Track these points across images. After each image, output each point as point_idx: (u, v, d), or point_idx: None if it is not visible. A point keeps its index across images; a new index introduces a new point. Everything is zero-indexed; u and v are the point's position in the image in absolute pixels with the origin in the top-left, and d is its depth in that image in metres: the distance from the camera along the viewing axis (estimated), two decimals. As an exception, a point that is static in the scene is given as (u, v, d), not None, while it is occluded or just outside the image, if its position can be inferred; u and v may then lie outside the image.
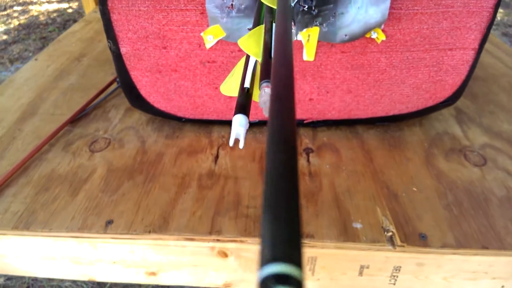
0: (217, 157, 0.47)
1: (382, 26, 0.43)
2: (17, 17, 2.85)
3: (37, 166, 0.46)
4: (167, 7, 0.42)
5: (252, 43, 0.28)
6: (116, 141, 0.49)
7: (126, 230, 0.37)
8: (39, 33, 2.58)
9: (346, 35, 0.43)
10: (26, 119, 0.54)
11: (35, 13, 2.92)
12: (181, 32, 0.44)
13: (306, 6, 0.41)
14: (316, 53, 0.45)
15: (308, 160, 0.46)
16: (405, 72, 0.46)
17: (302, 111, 0.50)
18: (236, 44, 0.44)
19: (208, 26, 0.43)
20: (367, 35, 0.43)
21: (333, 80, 0.47)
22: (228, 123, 0.52)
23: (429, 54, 0.45)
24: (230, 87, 0.30)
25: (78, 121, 0.53)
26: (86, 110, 0.55)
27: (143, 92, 0.49)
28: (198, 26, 0.43)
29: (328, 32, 0.43)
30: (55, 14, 2.88)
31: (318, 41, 0.44)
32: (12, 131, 0.51)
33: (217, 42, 0.44)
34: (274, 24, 0.26)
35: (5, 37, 2.56)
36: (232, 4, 0.40)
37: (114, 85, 0.61)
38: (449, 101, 0.50)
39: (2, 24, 2.75)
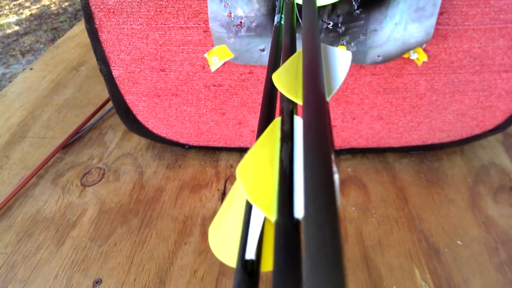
0: (224, 194, 0.41)
1: (424, 45, 0.35)
2: (28, 7, 2.82)
3: (22, 204, 0.40)
4: (164, 24, 0.35)
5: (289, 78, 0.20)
6: (111, 172, 0.44)
7: (116, 296, 0.32)
8: (50, 24, 2.54)
9: (379, 56, 0.35)
10: (14, 144, 0.48)
11: (47, 3, 2.88)
12: (181, 52, 0.37)
13: (331, 23, 0.33)
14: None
15: (330, 200, 0.40)
16: (449, 97, 0.39)
17: (323, 139, 0.43)
18: (246, 66, 0.37)
19: (212, 46, 0.36)
20: (405, 56, 0.36)
21: (361, 105, 0.40)
22: (237, 150, 0.46)
23: (479, 77, 0.37)
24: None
25: (71, 146, 0.48)
26: (80, 133, 0.49)
27: (141, 117, 0.43)
28: (201, 46, 0.36)
29: (357, 52, 0.35)
30: (66, 4, 2.83)
31: (345, 62, 0.37)
32: (-2, 159, 0.46)
33: (224, 63, 0.37)
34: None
35: (17, 28, 2.53)
36: (241, 22, 0.33)
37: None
38: (498, 129, 0.42)
39: (14, 15, 2.72)
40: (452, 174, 0.42)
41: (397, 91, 0.38)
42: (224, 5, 0.33)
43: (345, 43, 0.35)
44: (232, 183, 0.42)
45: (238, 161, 0.45)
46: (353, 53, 0.35)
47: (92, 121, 0.51)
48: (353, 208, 0.39)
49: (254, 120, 0.42)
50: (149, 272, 0.33)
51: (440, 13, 0.33)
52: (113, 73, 0.39)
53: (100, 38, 0.36)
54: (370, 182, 0.42)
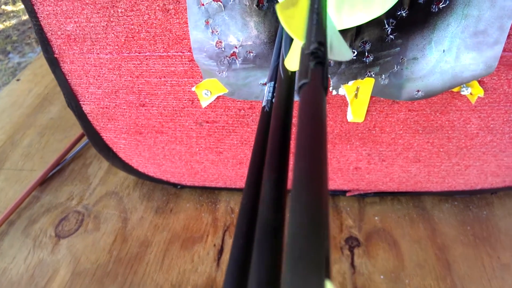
0: (221, 250, 0.34)
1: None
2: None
3: (-14, 261, 0.34)
4: (139, 53, 0.27)
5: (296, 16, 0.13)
6: (91, 219, 0.37)
7: None
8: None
9: (419, 91, 0.27)
10: (-13, 178, 0.42)
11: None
12: (163, 85, 0.29)
13: (355, 52, 0.25)
14: (368, 111, 0.29)
15: (352, 263, 0.32)
16: (509, 137, 0.30)
17: (344, 181, 0.35)
18: (245, 102, 0.29)
19: (202, 77, 0.28)
20: (455, 90, 0.27)
21: (393, 146, 0.31)
22: (239, 191, 0.39)
23: (553, 113, 0.28)
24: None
25: (50, 180, 0.41)
26: (61, 164, 0.43)
27: (122, 155, 0.36)
28: (187, 78, 0.29)
29: (389, 86, 0.27)
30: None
31: (372, 97, 0.28)
32: (-34, 199, 0.40)
33: (218, 97, 0.29)
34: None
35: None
36: (235, 53, 0.25)
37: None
38: None
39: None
40: (506, 228, 0.34)
41: (440, 130, 0.30)
42: (212, 32, 0.24)
43: (373, 75, 0.26)
44: (231, 235, 0.35)
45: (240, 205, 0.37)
46: (385, 87, 0.27)
47: (76, 148, 0.45)
48: (382, 277, 0.31)
49: (258, 161, 0.34)
50: None
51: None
52: (83, 109, 0.32)
53: (63, 70, 0.29)
54: (403, 237, 0.34)
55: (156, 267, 0.33)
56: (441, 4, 0.22)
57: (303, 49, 0.11)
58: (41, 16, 0.26)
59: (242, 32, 0.24)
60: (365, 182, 0.35)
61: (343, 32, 0.24)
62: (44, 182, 0.41)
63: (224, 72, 0.27)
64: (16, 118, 0.50)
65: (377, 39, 0.24)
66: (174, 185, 0.38)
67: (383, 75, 0.26)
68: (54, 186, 0.41)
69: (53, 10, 0.25)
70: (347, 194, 0.36)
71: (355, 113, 0.29)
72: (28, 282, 0.33)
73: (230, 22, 0.24)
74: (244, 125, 0.32)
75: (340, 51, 0.12)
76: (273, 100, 0.13)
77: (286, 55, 0.15)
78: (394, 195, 0.37)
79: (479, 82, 0.27)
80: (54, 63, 0.29)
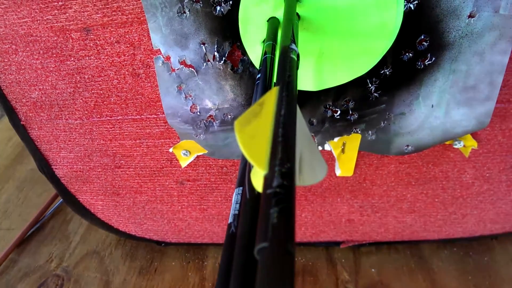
0: (210, 315, 0.32)
1: (474, 130, 0.25)
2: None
3: None
4: (111, 117, 0.26)
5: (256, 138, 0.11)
6: (71, 283, 0.35)
7: None
8: None
9: (408, 146, 0.25)
10: (-39, 240, 0.40)
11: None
12: (138, 147, 0.28)
13: (339, 111, 0.24)
14: (357, 164, 0.28)
15: (349, 325, 0.30)
16: (506, 185, 0.28)
17: (337, 233, 0.33)
18: (227, 160, 0.28)
19: (179, 138, 0.27)
20: (447, 143, 0.25)
21: (386, 198, 0.30)
22: (229, 245, 0.36)
23: (551, 161, 0.27)
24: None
25: (28, 240, 0.39)
26: (40, 221, 0.41)
27: (101, 216, 0.34)
28: (164, 139, 0.27)
29: (377, 142, 0.25)
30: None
31: (360, 152, 0.27)
32: None
33: (198, 156, 0.28)
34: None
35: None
36: (211, 115, 0.24)
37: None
38: None
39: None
40: (509, 275, 0.32)
41: (434, 181, 0.28)
42: (185, 97, 0.23)
43: (359, 131, 0.25)
44: None
45: (229, 261, 0.35)
46: (372, 142, 0.25)
47: (56, 203, 0.42)
48: None
49: (244, 216, 0.32)
50: None
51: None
52: (56, 173, 0.30)
53: (31, 136, 0.27)
54: (401, 292, 0.32)
55: (139, 339, 0.30)
56: (426, 61, 0.21)
57: (264, 183, 0.09)
58: (4, 85, 0.24)
59: (217, 96, 0.23)
60: (359, 233, 0.33)
61: (325, 92, 0.23)
62: (22, 242, 0.39)
63: (201, 135, 0.25)
64: None
65: (361, 97, 0.23)
66: (158, 243, 0.36)
67: (370, 131, 0.25)
68: (32, 246, 0.39)
69: (16, 79, 0.24)
70: (341, 246, 0.34)
71: (343, 167, 0.28)
72: None
73: (205, 86, 0.23)
74: (228, 181, 0.30)
75: (312, 168, 0.11)
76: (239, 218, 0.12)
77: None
78: (391, 244, 0.35)
79: (472, 133, 0.25)
80: (21, 130, 0.27)
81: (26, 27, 0.22)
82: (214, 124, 0.24)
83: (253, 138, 0.10)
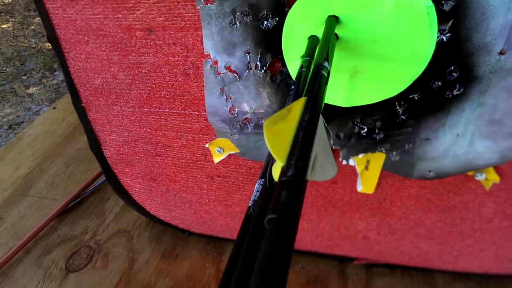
0: (221, 306, 0.33)
1: (498, 164, 0.25)
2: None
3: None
4: (159, 109, 0.29)
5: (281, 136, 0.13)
6: (101, 256, 0.38)
7: None
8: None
9: (430, 171, 0.26)
10: (13, 203, 0.45)
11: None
12: (179, 139, 0.30)
13: (365, 129, 0.25)
14: (379, 183, 0.29)
15: (352, 338, 0.31)
16: (529, 225, 0.28)
17: (352, 248, 0.34)
18: (256, 161, 0.30)
19: (215, 136, 0.29)
20: (469, 173, 0.26)
21: (404, 220, 0.31)
22: (247, 244, 0.38)
23: None
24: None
25: (69, 211, 0.43)
26: (81, 196, 0.45)
27: (137, 198, 0.37)
28: (202, 135, 0.30)
29: (400, 163, 0.26)
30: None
31: (384, 171, 0.28)
32: (-10, 222, 0.42)
33: (230, 154, 0.30)
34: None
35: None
36: (247, 118, 0.26)
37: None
38: None
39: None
40: (525, 319, 0.31)
41: (453, 210, 0.29)
42: (226, 99, 0.25)
43: (384, 151, 0.26)
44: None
45: (246, 259, 0.37)
46: (396, 163, 0.27)
47: (97, 182, 0.46)
48: None
49: (266, 218, 0.34)
50: None
51: (526, 128, 0.23)
52: (104, 153, 0.33)
53: (88, 117, 0.31)
54: (409, 315, 0.32)
55: (154, 315, 0.33)
56: (455, 91, 0.22)
57: (281, 173, 0.11)
58: (73, 70, 0.28)
59: (255, 101, 0.25)
60: (374, 252, 0.34)
61: (354, 109, 0.25)
62: (63, 212, 0.43)
63: (236, 135, 0.27)
64: (47, 146, 0.53)
65: (388, 118, 0.24)
66: (183, 231, 0.39)
67: (394, 152, 0.26)
68: (71, 218, 0.43)
69: (83, 66, 0.28)
70: (355, 262, 0.35)
71: (365, 184, 0.29)
72: (31, 315, 0.33)
73: (244, 91, 0.25)
74: (254, 182, 0.32)
75: (323, 168, 0.13)
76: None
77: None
78: (404, 268, 0.35)
79: (495, 167, 0.26)
80: (80, 111, 0.31)
81: (98, 23, 0.25)
82: (249, 126, 0.27)
83: (278, 136, 0.12)
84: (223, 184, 0.33)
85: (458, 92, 0.22)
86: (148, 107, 0.29)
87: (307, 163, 0.11)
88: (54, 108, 0.61)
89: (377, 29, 0.21)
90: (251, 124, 0.26)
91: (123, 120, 0.30)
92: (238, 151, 0.29)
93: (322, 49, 0.18)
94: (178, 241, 0.39)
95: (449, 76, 0.22)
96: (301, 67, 0.19)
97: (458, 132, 0.24)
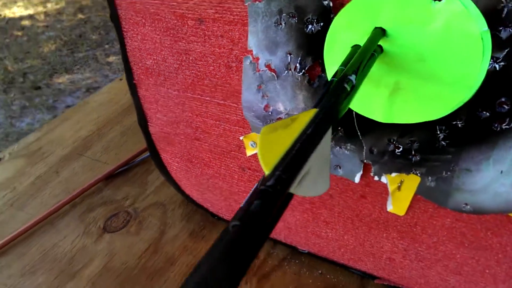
0: (234, 294, 0.34)
1: (546, 211, 0.23)
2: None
3: (44, 233, 0.40)
4: (201, 96, 0.30)
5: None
6: (136, 222, 0.41)
7: None
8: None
9: (467, 205, 0.24)
10: (70, 160, 0.49)
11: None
12: (217, 127, 0.31)
13: (401, 148, 0.24)
14: (411, 206, 0.27)
15: None
16: None
17: (374, 267, 0.33)
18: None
19: (251, 130, 0.30)
20: (510, 214, 0.24)
21: (433, 250, 0.29)
22: (269, 240, 0.39)
23: None
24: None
25: (115, 177, 0.47)
26: (129, 165, 0.48)
27: (174, 175, 0.39)
28: (238, 127, 0.30)
29: (436, 190, 0.25)
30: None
31: (417, 195, 0.26)
32: (50, 174, 0.47)
33: (263, 151, 0.30)
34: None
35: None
36: (280, 118, 0.26)
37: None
38: None
39: None
40: None
41: (489, 250, 0.26)
42: (262, 96, 0.26)
43: (419, 174, 0.25)
44: (249, 283, 0.35)
45: (264, 258, 0.38)
46: (430, 189, 0.25)
47: (144, 155, 0.49)
48: None
49: (290, 218, 0.34)
50: None
51: None
52: (149, 129, 0.36)
53: (139, 94, 0.33)
54: None
55: (173, 285, 0.35)
56: (504, 124, 0.20)
57: (261, 181, 0.11)
58: (129, 49, 0.30)
59: (290, 102, 0.25)
60: (397, 275, 0.32)
61: (392, 125, 0.23)
62: (111, 177, 0.47)
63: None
64: (109, 114, 0.58)
65: (427, 141, 0.23)
66: (212, 214, 0.40)
67: (430, 177, 0.24)
68: (117, 183, 0.46)
69: (138, 46, 0.29)
70: (376, 281, 0.34)
71: (396, 205, 0.28)
72: (67, 262, 0.37)
73: (281, 91, 0.25)
74: (284, 182, 0.32)
75: (313, 184, 0.12)
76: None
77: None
78: (429, 298, 0.33)
79: (545, 214, 0.23)
80: (132, 88, 0.33)
81: (155, 8, 0.26)
82: (282, 127, 0.27)
83: (273, 144, 0.12)
84: (253, 177, 0.33)
85: (507, 127, 0.20)
86: (192, 92, 0.30)
87: (293, 177, 0.11)
88: (121, 79, 0.66)
89: (425, 47, 0.20)
90: (284, 125, 0.26)
91: (168, 101, 0.32)
92: (270, 148, 0.29)
93: (355, 61, 0.18)
94: (207, 223, 0.41)
95: (499, 108, 0.20)
96: (334, 75, 0.19)
97: (503, 169, 0.22)
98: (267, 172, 0.11)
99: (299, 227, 0.34)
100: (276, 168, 0.11)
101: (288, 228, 0.35)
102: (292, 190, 0.11)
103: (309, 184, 0.12)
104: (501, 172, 0.22)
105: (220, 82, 0.28)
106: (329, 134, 0.14)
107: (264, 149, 0.12)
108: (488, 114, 0.20)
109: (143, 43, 0.29)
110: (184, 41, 0.27)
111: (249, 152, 0.31)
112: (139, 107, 0.34)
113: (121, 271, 0.36)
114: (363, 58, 0.18)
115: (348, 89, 0.16)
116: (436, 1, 0.19)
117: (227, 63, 0.27)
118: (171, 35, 0.27)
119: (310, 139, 0.12)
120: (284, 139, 0.12)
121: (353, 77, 0.16)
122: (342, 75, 0.17)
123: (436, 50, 0.20)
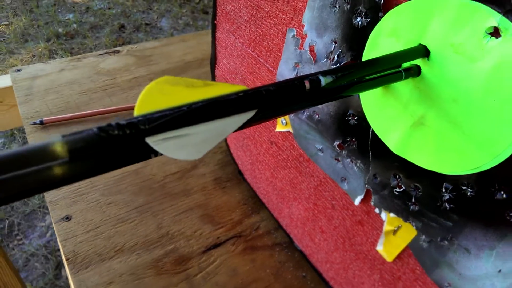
0: (216, 246, 0.36)
1: None
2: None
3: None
4: (258, 56, 0.30)
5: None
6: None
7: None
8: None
9: (449, 285, 0.20)
10: (168, 74, 0.55)
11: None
12: (262, 92, 0.31)
13: (402, 189, 0.21)
14: (400, 257, 0.24)
15: None
16: None
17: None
18: (304, 152, 0.29)
19: (285, 107, 0.29)
20: (495, 325, 0.19)
21: (406, 314, 0.25)
22: (274, 220, 0.38)
23: None
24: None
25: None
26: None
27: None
28: (278, 99, 0.30)
29: (426, 253, 0.21)
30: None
31: (409, 249, 0.23)
32: (145, 79, 0.54)
33: (290, 133, 0.30)
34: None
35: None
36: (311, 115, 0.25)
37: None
38: None
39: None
40: None
41: None
42: (294, 66, 0.25)
43: (415, 227, 0.21)
44: (237, 245, 0.36)
45: (262, 234, 0.38)
46: (421, 251, 0.22)
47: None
48: None
49: (296, 209, 0.33)
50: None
51: None
52: (215, 71, 0.37)
53: (216, 34, 0.35)
54: None
55: (171, 214, 0.38)
56: (520, 217, 0.16)
57: (127, 120, 0.11)
58: (217, -10, 0.31)
59: (317, 92, 0.24)
60: (367, 319, 0.29)
61: (402, 160, 0.20)
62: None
63: (292, 115, 0.27)
64: (184, 62, 0.60)
65: (430, 195, 0.19)
66: (240, 172, 0.41)
67: (424, 236, 0.21)
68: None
69: (224, -10, 0.30)
70: (346, 313, 0.32)
71: (386, 248, 0.25)
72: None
73: (313, 77, 0.24)
74: (299, 171, 0.31)
75: (185, 147, 0.12)
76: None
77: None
78: None
79: None
80: (213, 27, 0.34)
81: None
82: (304, 113, 0.25)
83: (162, 94, 0.12)
84: (277, 154, 0.33)
85: (524, 221, 0.16)
86: (252, 49, 0.30)
87: (156, 130, 0.11)
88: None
89: (464, 87, 0.16)
90: (306, 113, 0.25)
91: (233, 51, 0.33)
92: (292, 132, 0.28)
93: (366, 64, 0.16)
94: (234, 178, 0.42)
95: (516, 193, 0.15)
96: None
97: (502, 269, 0.17)
98: (135, 112, 0.12)
99: (299, 222, 0.33)
100: (145, 114, 0.11)
101: (291, 217, 0.34)
102: (151, 143, 0.11)
103: (180, 146, 0.12)
104: (499, 271, 0.18)
105: (275, 48, 0.28)
106: (240, 118, 0.13)
107: (148, 96, 0.12)
108: (504, 196, 0.16)
109: (228, -12, 0.30)
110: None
111: (278, 128, 0.31)
112: (214, 47, 0.36)
113: (146, 179, 0.41)
114: (361, 65, 0.16)
115: (308, 87, 0.14)
116: (493, 37, 0.15)
117: (284, 31, 0.26)
118: (250, -13, 0.28)
119: (210, 106, 0.12)
120: (180, 96, 0.12)
121: (323, 78, 0.15)
122: (314, 74, 0.15)
123: (474, 95, 0.16)
